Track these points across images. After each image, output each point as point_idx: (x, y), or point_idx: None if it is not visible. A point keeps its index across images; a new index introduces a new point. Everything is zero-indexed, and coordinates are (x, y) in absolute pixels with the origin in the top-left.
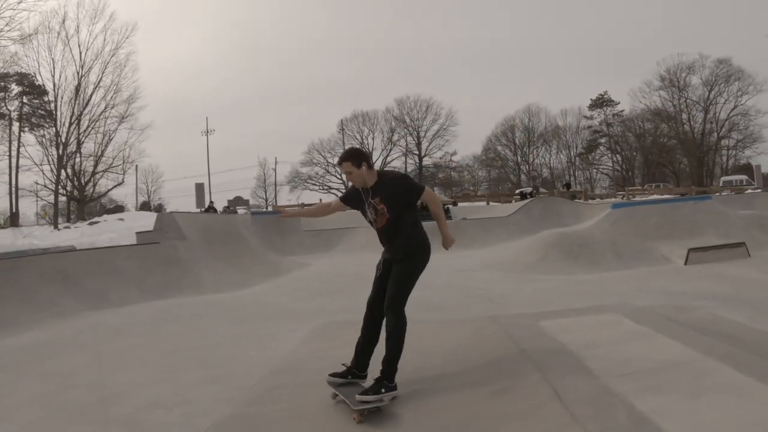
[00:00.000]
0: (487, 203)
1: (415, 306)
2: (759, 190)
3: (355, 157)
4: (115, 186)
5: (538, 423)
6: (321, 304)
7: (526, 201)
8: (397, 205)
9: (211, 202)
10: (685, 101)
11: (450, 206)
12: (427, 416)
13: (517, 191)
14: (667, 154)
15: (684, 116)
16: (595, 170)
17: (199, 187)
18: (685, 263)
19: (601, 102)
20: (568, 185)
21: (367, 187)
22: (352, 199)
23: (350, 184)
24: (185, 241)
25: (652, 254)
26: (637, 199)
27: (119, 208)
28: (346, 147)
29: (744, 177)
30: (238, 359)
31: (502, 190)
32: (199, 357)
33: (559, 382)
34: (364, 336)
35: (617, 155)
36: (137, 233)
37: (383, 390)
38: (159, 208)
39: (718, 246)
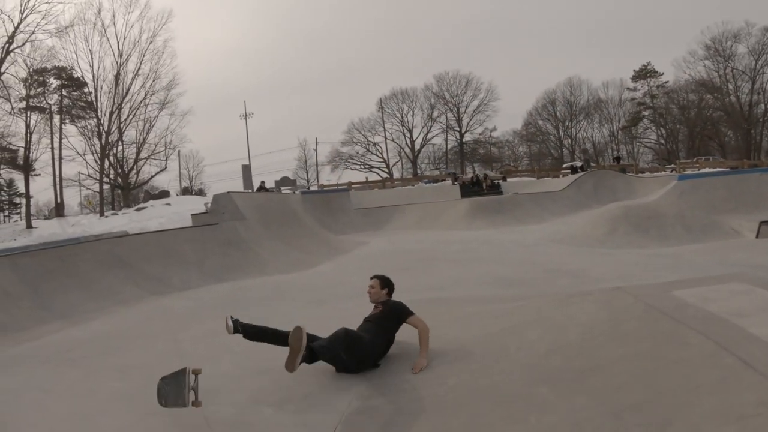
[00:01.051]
0: (537, 178)
1: (495, 282)
2: None
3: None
4: (158, 172)
5: (736, 394)
6: (397, 283)
7: (578, 175)
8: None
9: (262, 182)
10: (732, 71)
11: (500, 181)
12: (606, 395)
13: (566, 165)
14: (712, 126)
15: (730, 87)
16: (638, 144)
17: (246, 169)
18: (757, 236)
19: (644, 73)
20: (618, 158)
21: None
22: None
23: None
24: (244, 221)
25: (721, 227)
26: (688, 172)
27: (165, 193)
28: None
29: None
30: None
31: (543, 165)
32: None
33: (741, 351)
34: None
35: (661, 128)
36: (193, 215)
37: None
38: (200, 193)
39: None
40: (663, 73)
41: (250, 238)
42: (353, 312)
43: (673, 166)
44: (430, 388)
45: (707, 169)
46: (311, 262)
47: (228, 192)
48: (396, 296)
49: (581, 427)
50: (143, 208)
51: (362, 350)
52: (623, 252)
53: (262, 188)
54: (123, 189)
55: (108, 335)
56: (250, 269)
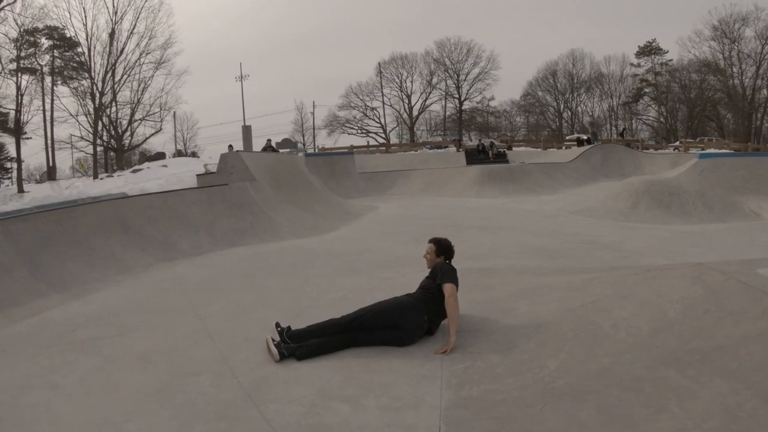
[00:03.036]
0: (544, 148)
1: (533, 252)
2: None
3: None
4: (153, 134)
5: None
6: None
7: (585, 147)
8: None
9: (269, 141)
10: (737, 54)
11: (505, 150)
12: (747, 377)
13: (572, 137)
14: (712, 108)
15: (734, 70)
16: (638, 120)
17: (246, 130)
18: None
19: (649, 50)
20: (623, 133)
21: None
22: None
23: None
24: (254, 182)
25: (740, 208)
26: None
27: (161, 155)
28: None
29: None
30: None
31: (539, 136)
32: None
33: None
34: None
35: (662, 106)
36: (198, 175)
37: None
38: (194, 155)
39: None
40: (667, 51)
41: (261, 200)
42: (397, 282)
43: (677, 143)
44: (528, 372)
45: (712, 150)
46: (327, 226)
47: (237, 150)
48: None
49: (734, 414)
50: (139, 170)
51: (402, 316)
52: (650, 227)
53: (269, 147)
54: (117, 151)
55: (117, 310)
56: (263, 234)
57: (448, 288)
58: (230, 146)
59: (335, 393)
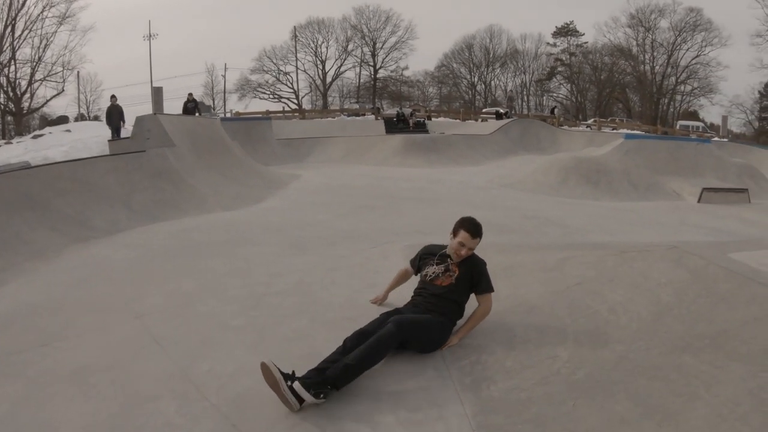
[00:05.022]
0: (462, 120)
1: (485, 227)
2: (726, 140)
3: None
4: (54, 96)
5: None
6: (373, 223)
7: (504, 121)
8: (467, 281)
9: (191, 94)
10: (651, 42)
11: (425, 120)
12: (762, 361)
13: (489, 110)
14: (622, 90)
15: (646, 56)
16: (549, 97)
17: (157, 92)
18: (698, 201)
19: (566, 31)
20: (553, 110)
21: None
22: (425, 257)
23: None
24: (173, 148)
25: (663, 188)
26: (605, 130)
27: (63, 119)
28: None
29: (701, 124)
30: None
31: (451, 108)
32: (312, 304)
33: None
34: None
35: (573, 85)
36: (110, 141)
37: None
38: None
39: (726, 189)
40: (584, 34)
41: (182, 168)
42: (354, 261)
43: (591, 122)
44: (541, 364)
45: (624, 130)
46: (254, 196)
47: (154, 113)
48: (386, 239)
49: (760, 397)
50: (40, 136)
51: (428, 335)
52: (583, 202)
53: (191, 102)
54: (15, 115)
55: (34, 310)
56: (187, 206)
57: (490, 300)
58: (113, 96)
59: (342, 410)
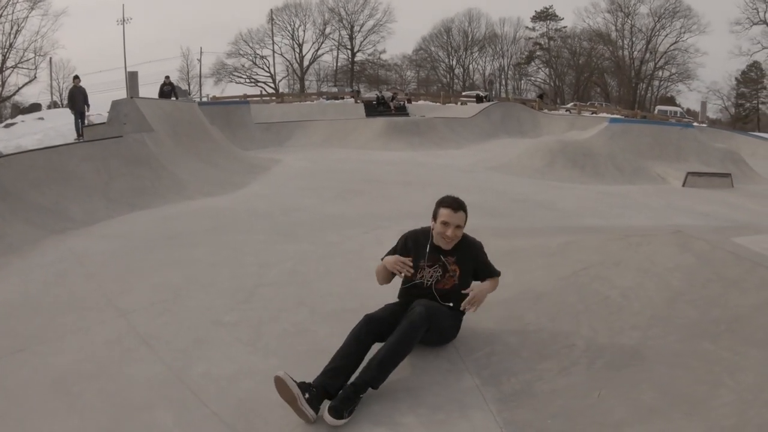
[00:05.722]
0: (443, 103)
1: (478, 212)
2: (705, 125)
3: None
4: (27, 83)
5: None
6: (362, 208)
7: (485, 104)
8: (469, 273)
9: (167, 77)
10: (630, 28)
11: (406, 103)
12: None
13: (469, 93)
14: (600, 75)
15: (625, 42)
16: (528, 81)
17: (132, 77)
18: (683, 185)
19: (545, 16)
20: (541, 95)
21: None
22: (406, 253)
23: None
24: (152, 133)
25: (648, 172)
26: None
27: (36, 107)
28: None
29: (679, 109)
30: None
31: (429, 91)
32: (309, 295)
33: None
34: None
35: (551, 69)
36: (84, 127)
37: None
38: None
39: (710, 174)
40: (563, 18)
41: (161, 154)
42: (347, 248)
43: (570, 106)
44: (558, 354)
45: (604, 114)
46: (236, 182)
47: (131, 97)
48: (377, 224)
49: None
50: (12, 125)
51: (447, 322)
52: (570, 186)
53: (167, 85)
54: None
55: (9, 310)
56: (167, 192)
57: (497, 282)
58: (76, 77)
59: (358, 412)
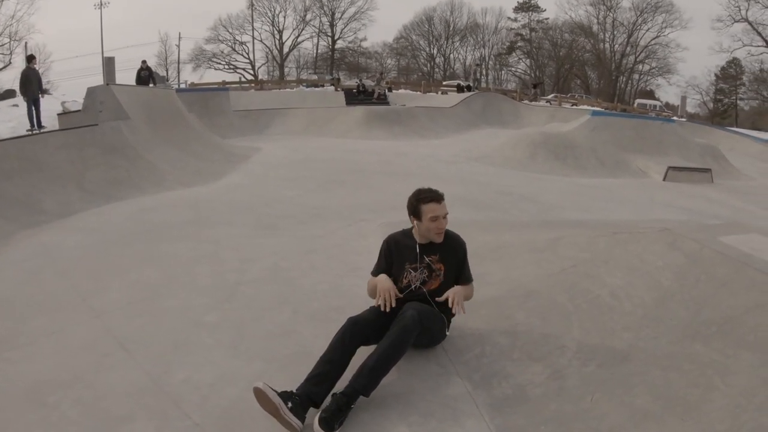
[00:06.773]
0: (423, 92)
1: (462, 204)
2: (684, 119)
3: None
4: (1, 68)
5: None
6: (343, 200)
7: (467, 94)
8: (454, 269)
9: (144, 62)
10: (612, 21)
11: (385, 91)
12: None
13: (450, 82)
14: (581, 67)
15: (607, 35)
16: (508, 71)
17: (109, 62)
18: (664, 179)
19: (527, 7)
20: (535, 85)
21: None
22: (392, 260)
23: None
24: (128, 121)
25: (630, 166)
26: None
27: (11, 93)
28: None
29: (658, 102)
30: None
31: (409, 80)
32: (293, 293)
33: None
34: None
35: (532, 60)
36: (59, 115)
37: None
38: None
39: (690, 168)
40: (545, 10)
41: (138, 142)
42: (331, 242)
43: (551, 97)
44: (550, 355)
45: (585, 106)
46: (215, 171)
47: (107, 83)
48: (360, 216)
49: None
50: None
51: (436, 325)
52: (552, 178)
53: (144, 70)
54: None
55: None
56: (144, 183)
57: (472, 288)
58: (31, 57)
59: (349, 422)
